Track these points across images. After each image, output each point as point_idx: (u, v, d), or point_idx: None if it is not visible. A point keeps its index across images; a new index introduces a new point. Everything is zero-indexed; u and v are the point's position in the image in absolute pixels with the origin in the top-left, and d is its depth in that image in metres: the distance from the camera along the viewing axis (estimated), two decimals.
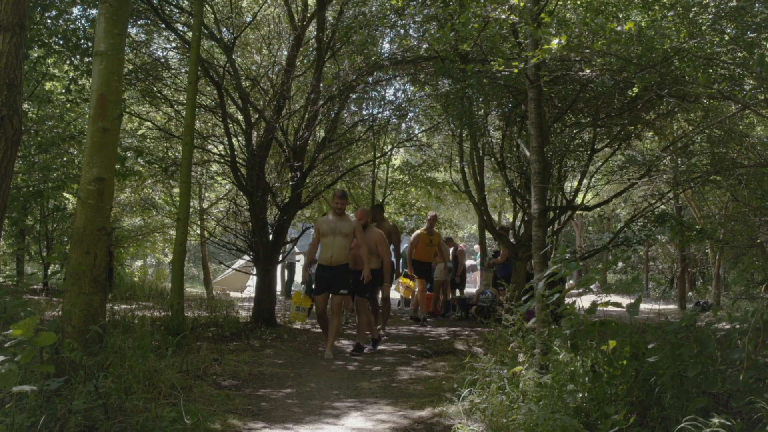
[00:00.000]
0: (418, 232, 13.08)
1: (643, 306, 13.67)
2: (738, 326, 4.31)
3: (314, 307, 9.10)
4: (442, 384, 6.40)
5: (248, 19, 12.13)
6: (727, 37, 7.28)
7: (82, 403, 4.18)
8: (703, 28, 7.06)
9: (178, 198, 10.17)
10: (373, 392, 6.40)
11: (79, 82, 10.35)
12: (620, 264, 26.83)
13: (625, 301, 4.57)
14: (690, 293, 20.54)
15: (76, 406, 4.14)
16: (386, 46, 13.54)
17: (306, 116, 11.24)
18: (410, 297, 15.03)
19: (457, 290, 15.01)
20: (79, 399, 4.22)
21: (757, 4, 7.53)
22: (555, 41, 5.15)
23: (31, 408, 3.98)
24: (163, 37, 12.45)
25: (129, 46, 10.75)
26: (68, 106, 11.85)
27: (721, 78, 7.92)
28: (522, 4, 5.38)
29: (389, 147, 15.95)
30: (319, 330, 9.52)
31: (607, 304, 4.74)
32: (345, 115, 13.33)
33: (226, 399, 5.69)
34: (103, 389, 4.49)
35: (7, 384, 3.61)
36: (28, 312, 4.90)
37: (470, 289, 20.02)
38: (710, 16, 7.18)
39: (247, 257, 13.07)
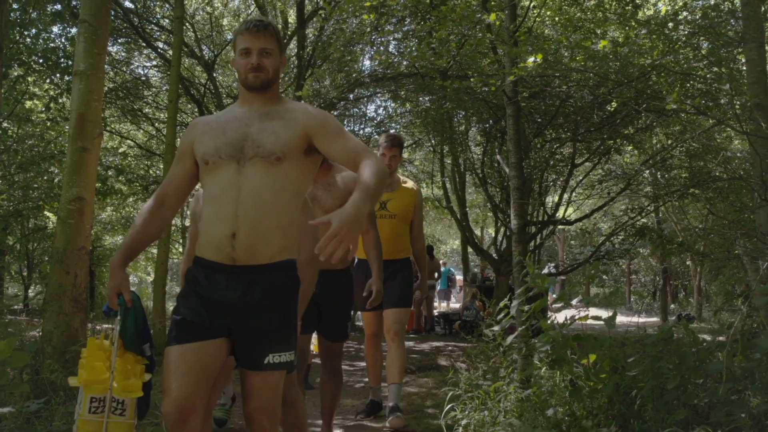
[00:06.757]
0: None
1: (625, 319, 13.73)
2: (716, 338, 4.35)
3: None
4: (425, 402, 6.39)
5: (229, 37, 12.17)
6: (703, 52, 7.39)
7: (62, 425, 4.15)
8: (678, 44, 7.17)
9: None
10: (356, 409, 6.37)
11: (59, 101, 10.32)
12: (603, 277, 26.98)
13: (607, 314, 4.59)
14: (672, 305, 20.68)
15: (56, 427, 4.10)
16: (367, 62, 13.65)
17: None
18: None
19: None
20: (58, 420, 4.18)
21: (732, 20, 7.67)
22: (531, 59, 5.20)
23: (10, 430, 3.95)
24: (143, 56, 12.48)
25: (109, 64, 10.75)
26: (48, 124, 11.81)
27: (698, 92, 8.03)
28: (498, 23, 5.44)
29: None
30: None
31: (586, 318, 4.76)
32: None
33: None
34: None
35: None
36: (8, 333, 4.87)
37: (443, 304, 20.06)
38: (685, 32, 7.30)
39: None
